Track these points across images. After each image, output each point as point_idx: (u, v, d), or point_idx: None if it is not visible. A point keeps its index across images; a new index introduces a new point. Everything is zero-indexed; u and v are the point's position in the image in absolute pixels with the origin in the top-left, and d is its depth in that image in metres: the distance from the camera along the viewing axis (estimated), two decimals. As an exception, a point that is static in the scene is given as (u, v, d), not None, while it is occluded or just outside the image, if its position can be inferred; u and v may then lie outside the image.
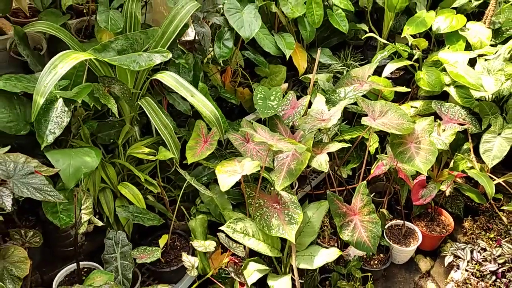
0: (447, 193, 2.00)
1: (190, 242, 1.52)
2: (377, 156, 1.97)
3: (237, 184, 1.51)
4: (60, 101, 1.28)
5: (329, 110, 1.77)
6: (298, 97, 1.95)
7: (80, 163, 1.23)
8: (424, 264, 2.06)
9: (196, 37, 1.84)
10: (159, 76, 1.47)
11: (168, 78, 1.46)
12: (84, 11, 1.63)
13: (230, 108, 2.15)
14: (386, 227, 2.00)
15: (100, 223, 1.26)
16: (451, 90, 2.06)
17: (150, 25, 1.90)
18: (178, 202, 1.55)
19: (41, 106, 1.18)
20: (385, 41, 2.24)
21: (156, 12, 2.16)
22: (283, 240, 1.57)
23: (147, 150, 1.52)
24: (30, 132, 1.31)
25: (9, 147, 1.17)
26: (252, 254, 1.59)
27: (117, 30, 1.48)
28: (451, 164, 2.04)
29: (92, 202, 1.21)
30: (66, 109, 1.28)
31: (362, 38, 2.39)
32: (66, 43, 1.45)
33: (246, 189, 1.60)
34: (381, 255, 1.93)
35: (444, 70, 2.10)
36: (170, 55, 1.44)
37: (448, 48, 2.21)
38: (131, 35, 1.43)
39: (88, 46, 1.53)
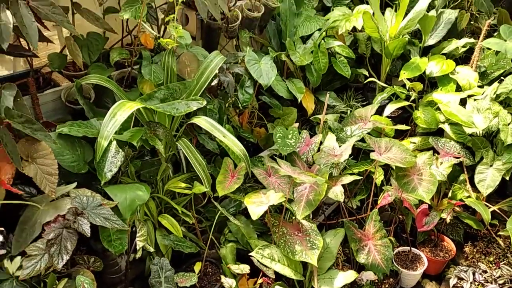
0: (448, 221, 2.19)
1: (227, 266, 1.68)
2: (383, 187, 2.18)
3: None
4: (114, 143, 1.49)
5: (339, 146, 1.99)
6: (311, 136, 2.17)
7: (134, 196, 1.42)
8: (430, 287, 2.22)
9: (221, 85, 2.07)
10: (196, 120, 1.69)
11: (203, 122, 1.69)
12: (126, 64, 1.86)
13: (246, 145, 2.37)
14: (394, 253, 2.18)
15: (151, 249, 1.43)
16: (446, 127, 2.30)
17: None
18: (211, 231, 1.73)
19: (103, 149, 1.38)
20: (383, 84, 2.50)
21: (179, 62, 2.41)
22: (305, 265, 1.74)
23: (183, 185, 1.72)
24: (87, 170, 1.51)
25: (75, 183, 1.37)
26: (277, 278, 1.76)
27: (158, 82, 1.71)
28: (450, 194, 2.25)
29: (146, 230, 1.39)
30: (120, 150, 1.48)
31: (363, 82, 2.65)
32: (115, 93, 1.67)
33: (270, 219, 1.78)
34: (391, 279, 2.10)
35: (438, 109, 2.35)
36: (205, 102, 1.67)
37: (441, 90, 2.47)
38: (171, 85, 1.66)
39: (130, 95, 1.76)
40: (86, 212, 1.21)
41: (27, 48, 1.62)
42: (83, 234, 1.23)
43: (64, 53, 1.77)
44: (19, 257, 1.24)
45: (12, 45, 1.46)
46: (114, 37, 1.96)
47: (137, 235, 1.38)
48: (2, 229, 1.32)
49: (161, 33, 1.92)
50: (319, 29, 2.54)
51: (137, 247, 1.36)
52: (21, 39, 1.63)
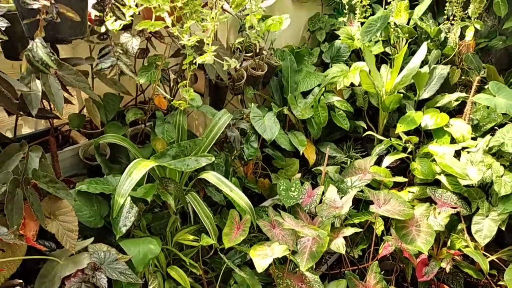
0: (447, 270, 2.24)
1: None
2: (383, 237, 2.25)
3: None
4: (129, 199, 1.59)
5: (340, 198, 2.09)
6: (313, 186, 2.27)
7: (146, 250, 1.51)
8: (433, 337, 2.25)
9: (227, 139, 2.20)
10: (205, 176, 1.80)
11: (212, 176, 1.80)
12: (140, 122, 1.99)
13: (250, 195, 2.47)
14: (396, 302, 2.22)
15: (162, 302, 1.50)
16: (442, 178, 2.40)
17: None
18: (217, 283, 1.79)
19: (120, 205, 1.49)
20: (381, 137, 2.63)
21: (188, 117, 2.56)
22: (309, 316, 1.79)
23: (191, 237, 1.80)
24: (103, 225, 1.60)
25: (93, 238, 1.46)
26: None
27: (170, 140, 1.83)
28: (449, 243, 2.32)
29: (157, 283, 1.46)
30: (134, 205, 1.58)
31: (362, 136, 2.78)
32: (130, 150, 1.79)
33: (275, 270, 1.85)
34: (394, 329, 2.13)
35: (434, 160, 2.46)
36: (213, 159, 1.78)
37: (436, 142, 2.59)
38: (182, 143, 1.79)
39: (143, 151, 1.88)
40: (103, 267, 1.29)
41: (49, 109, 1.77)
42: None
43: (82, 113, 1.91)
44: (38, 311, 1.31)
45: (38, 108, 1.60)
46: (128, 96, 2.11)
47: (149, 287, 1.45)
48: (21, 281, 1.40)
49: (173, 93, 2.07)
50: (319, 85, 2.70)
51: (149, 300, 1.43)
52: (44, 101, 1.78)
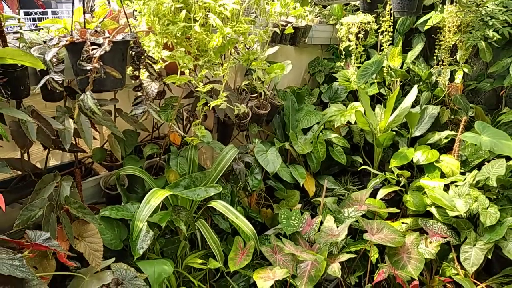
0: (439, 297, 2.39)
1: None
2: (378, 265, 2.41)
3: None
4: (145, 224, 1.79)
5: (337, 227, 2.27)
6: (312, 216, 2.45)
7: (161, 270, 1.69)
8: None
9: (233, 171, 2.41)
10: (214, 204, 2.00)
11: (219, 205, 2.00)
12: (155, 155, 2.22)
13: (254, 224, 2.65)
14: (390, 328, 2.35)
15: (174, 317, 1.67)
16: (433, 210, 2.57)
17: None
18: (223, 303, 1.96)
19: (139, 230, 1.68)
20: (376, 171, 2.83)
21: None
22: (307, 336, 1.93)
23: (200, 261, 1.98)
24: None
25: (114, 258, 1.64)
26: None
27: (183, 172, 2.04)
28: (440, 271, 2.47)
29: (170, 300, 1.64)
30: (150, 230, 1.78)
31: (359, 170, 2.98)
32: (145, 181, 2.01)
33: (276, 292, 2.02)
34: None
35: (425, 193, 2.65)
36: (221, 189, 1.99)
37: (427, 176, 2.78)
38: (194, 175, 2.00)
39: (158, 182, 2.09)
40: (125, 283, 1.47)
41: (74, 143, 2.00)
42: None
43: (104, 147, 2.14)
44: (66, 322, 1.48)
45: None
46: (145, 132, 2.35)
47: (163, 304, 1.63)
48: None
49: (186, 129, 2.30)
50: (318, 123, 2.93)
51: (163, 315, 1.60)
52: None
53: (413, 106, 3.03)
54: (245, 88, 2.64)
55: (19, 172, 1.85)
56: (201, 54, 1.70)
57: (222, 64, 1.81)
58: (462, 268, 2.45)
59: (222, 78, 1.89)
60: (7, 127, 1.62)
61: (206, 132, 2.05)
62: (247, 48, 2.04)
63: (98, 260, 1.55)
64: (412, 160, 2.83)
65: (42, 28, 1.87)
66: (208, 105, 1.76)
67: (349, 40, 3.05)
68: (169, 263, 1.75)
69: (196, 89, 1.79)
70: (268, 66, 2.32)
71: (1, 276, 1.03)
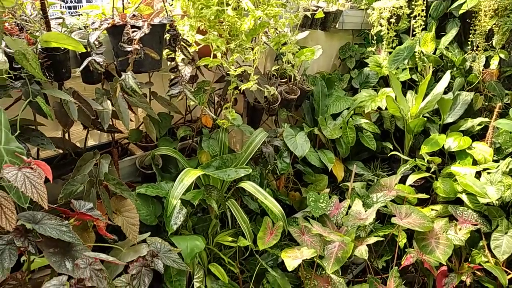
0: (468, 283, 2.37)
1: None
2: (406, 250, 2.41)
3: (293, 270, 1.99)
4: (179, 201, 1.87)
5: (365, 211, 2.28)
6: (340, 200, 2.48)
7: (193, 245, 1.77)
8: None
9: (262, 155, 2.46)
10: (243, 185, 2.06)
11: (249, 186, 2.05)
12: (188, 137, 2.29)
13: (282, 207, 2.69)
14: (417, 312, 2.37)
15: (204, 289, 1.75)
16: (464, 197, 2.55)
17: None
18: (252, 281, 2.02)
19: (173, 206, 1.76)
20: (406, 158, 2.81)
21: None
22: (333, 315, 1.98)
23: (230, 238, 2.05)
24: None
25: (149, 233, 1.73)
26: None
27: (214, 153, 2.11)
28: (470, 259, 2.45)
29: (202, 273, 1.71)
30: (183, 207, 1.86)
31: (388, 156, 2.97)
32: (179, 161, 2.08)
33: (303, 272, 2.06)
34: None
35: (456, 180, 2.62)
36: (250, 170, 2.04)
37: (459, 163, 2.75)
38: (224, 156, 2.06)
39: (190, 163, 2.17)
40: (160, 255, 1.56)
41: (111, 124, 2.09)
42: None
43: (140, 129, 2.23)
44: (106, 289, 1.58)
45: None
46: (178, 115, 2.42)
47: (195, 277, 1.70)
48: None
49: (217, 113, 2.37)
50: (348, 108, 2.93)
51: (194, 287, 1.68)
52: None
53: (445, 93, 2.98)
54: (275, 73, 2.67)
55: (61, 151, 1.96)
56: (232, 38, 1.75)
57: (252, 49, 1.85)
58: (493, 256, 2.42)
59: (252, 62, 1.93)
60: (50, 107, 1.73)
61: (236, 115, 2.11)
62: (278, 33, 2.07)
63: (134, 234, 1.64)
64: (443, 147, 2.80)
65: (82, 14, 1.96)
66: (239, 88, 1.81)
67: (381, 25, 3.02)
68: (201, 239, 1.83)
69: (228, 72, 1.83)
70: (299, 49, 2.34)
71: (52, 240, 1.13)
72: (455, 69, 3.20)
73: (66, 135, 1.98)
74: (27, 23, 1.61)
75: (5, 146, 1.30)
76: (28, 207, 1.25)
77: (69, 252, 1.17)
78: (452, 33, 3.20)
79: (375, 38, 3.22)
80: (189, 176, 1.82)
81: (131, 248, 1.66)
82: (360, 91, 3.12)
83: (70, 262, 1.14)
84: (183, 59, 1.75)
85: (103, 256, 1.26)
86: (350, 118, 2.88)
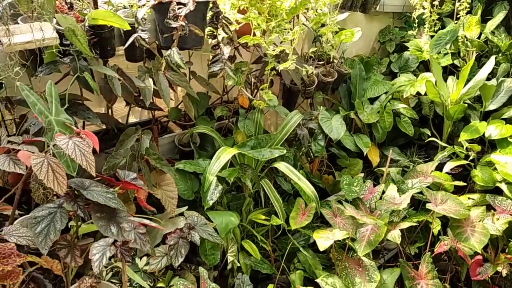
0: (504, 274, 2.32)
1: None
2: (440, 237, 2.38)
3: (324, 251, 2.01)
4: (215, 178, 1.92)
5: (400, 196, 2.27)
6: (374, 185, 2.47)
7: (228, 220, 1.82)
8: (485, 338, 2.34)
9: (297, 137, 2.48)
10: (277, 165, 2.09)
11: (283, 166, 2.08)
12: (224, 117, 2.34)
13: (315, 189, 2.71)
14: (449, 300, 2.35)
15: (237, 264, 1.80)
16: (503, 186, 2.48)
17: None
18: (283, 260, 2.07)
19: (210, 182, 1.82)
20: (444, 144, 2.75)
21: (263, 116, 2.88)
22: (362, 297, 2.00)
23: (263, 217, 2.10)
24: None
25: (187, 206, 1.80)
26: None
27: (250, 133, 2.15)
28: (507, 250, 2.40)
29: (236, 248, 1.77)
30: (219, 184, 1.91)
31: (426, 142, 2.92)
32: (215, 140, 2.14)
33: (334, 253, 2.09)
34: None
35: (495, 169, 2.55)
36: (285, 151, 2.07)
37: (499, 152, 2.67)
38: (260, 136, 2.09)
39: (226, 142, 2.22)
40: (196, 228, 1.62)
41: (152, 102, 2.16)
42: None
43: (179, 108, 2.29)
44: (145, 257, 1.67)
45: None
46: (215, 95, 2.47)
47: (229, 251, 1.76)
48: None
49: (253, 94, 2.39)
50: (386, 92, 2.89)
51: (228, 261, 1.74)
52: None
53: (489, 79, 2.88)
54: (312, 55, 2.66)
55: (104, 126, 2.06)
56: (272, 18, 1.76)
57: (291, 29, 1.86)
58: (532, 247, 2.36)
59: (290, 43, 1.94)
60: (96, 83, 1.81)
61: (272, 96, 2.13)
62: (317, 13, 2.06)
63: (173, 207, 1.71)
64: (483, 135, 2.71)
65: (127, -7, 2.02)
66: (277, 67, 1.82)
67: (423, 8, 2.93)
68: (235, 215, 1.88)
69: (265, 53, 1.85)
70: (338, 30, 2.32)
71: (99, 205, 1.20)
72: (500, 54, 3.07)
73: (110, 111, 2.07)
74: (76, 1, 1.68)
75: (55, 117, 1.39)
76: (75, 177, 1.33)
77: (114, 218, 1.24)
78: (499, 16, 3.07)
79: (416, 21, 3.13)
80: (225, 154, 1.87)
81: (169, 221, 1.74)
82: (399, 76, 3.06)
83: (115, 226, 1.21)
84: (222, 39, 1.78)
85: (146, 221, 1.33)
86: (388, 103, 2.84)
